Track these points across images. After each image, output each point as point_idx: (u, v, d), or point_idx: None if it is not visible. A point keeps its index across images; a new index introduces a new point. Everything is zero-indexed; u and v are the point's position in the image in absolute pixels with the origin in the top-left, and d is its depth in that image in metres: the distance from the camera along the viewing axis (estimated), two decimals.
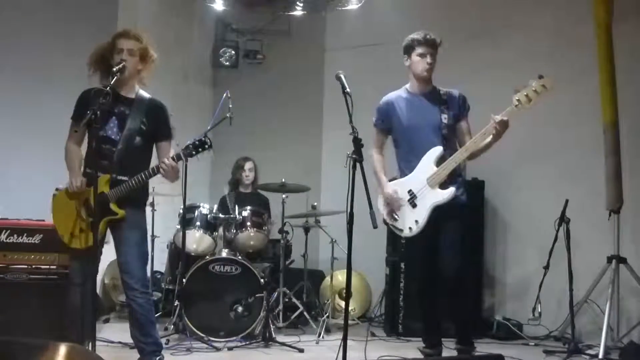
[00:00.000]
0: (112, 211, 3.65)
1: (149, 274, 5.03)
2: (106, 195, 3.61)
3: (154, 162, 3.92)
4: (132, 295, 3.75)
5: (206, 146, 3.65)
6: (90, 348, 3.22)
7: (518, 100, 3.85)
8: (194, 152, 3.65)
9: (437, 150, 4.03)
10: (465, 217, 4.19)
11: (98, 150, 3.53)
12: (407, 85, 4.26)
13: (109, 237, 3.82)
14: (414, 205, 4.08)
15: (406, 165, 4.17)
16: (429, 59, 4.09)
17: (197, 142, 3.66)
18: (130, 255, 3.75)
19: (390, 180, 4.25)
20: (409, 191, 4.09)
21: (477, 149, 3.99)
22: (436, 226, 4.03)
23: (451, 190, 3.99)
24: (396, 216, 4.15)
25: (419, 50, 4.10)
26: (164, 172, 3.67)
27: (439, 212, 4.01)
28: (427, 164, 4.04)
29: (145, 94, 3.86)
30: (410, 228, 4.10)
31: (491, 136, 3.93)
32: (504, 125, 3.88)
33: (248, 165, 6.03)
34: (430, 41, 4.10)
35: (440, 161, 4.02)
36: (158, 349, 3.84)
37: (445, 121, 4.08)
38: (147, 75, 3.85)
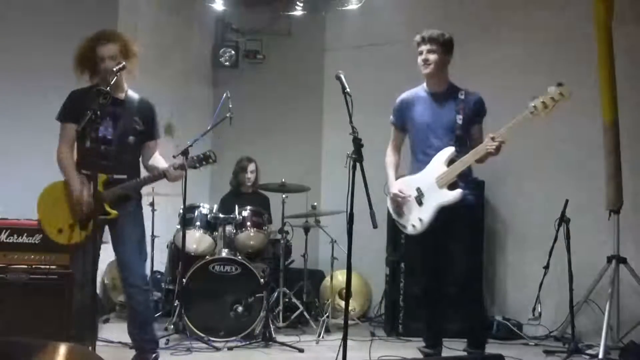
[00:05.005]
0: (104, 211, 3.67)
1: (148, 273, 5.04)
2: (101, 195, 3.62)
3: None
4: (132, 292, 3.79)
5: (210, 160, 3.80)
6: (90, 348, 3.22)
7: (534, 107, 3.74)
8: (197, 165, 3.75)
9: (449, 150, 4.00)
10: (473, 218, 4.17)
11: (93, 150, 3.55)
12: (424, 84, 4.24)
13: (107, 236, 3.83)
14: (420, 203, 4.06)
15: (416, 163, 4.16)
16: (424, 56, 4.06)
17: (201, 156, 3.76)
18: (130, 253, 3.78)
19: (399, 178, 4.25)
20: (417, 189, 4.07)
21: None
22: (443, 226, 4.01)
23: (458, 192, 3.95)
24: (401, 212, 4.15)
25: (418, 48, 4.10)
26: (168, 180, 3.77)
27: (446, 213, 3.98)
28: (438, 163, 4.01)
29: (134, 94, 3.89)
30: (413, 225, 4.08)
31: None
32: (497, 150, 3.84)
33: (251, 167, 6.03)
34: (426, 38, 4.06)
35: (451, 162, 3.99)
36: (154, 347, 3.87)
37: (459, 122, 4.02)
38: (134, 68, 3.83)
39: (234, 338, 4.86)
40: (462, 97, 4.08)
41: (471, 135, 4.09)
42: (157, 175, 3.77)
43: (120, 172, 3.71)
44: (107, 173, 3.68)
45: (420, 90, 4.23)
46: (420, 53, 4.09)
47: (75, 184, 3.66)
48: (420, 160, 4.12)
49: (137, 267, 3.79)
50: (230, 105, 5.14)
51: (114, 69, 3.55)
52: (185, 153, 4.92)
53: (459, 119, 4.03)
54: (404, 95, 4.27)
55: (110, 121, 3.74)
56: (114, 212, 3.70)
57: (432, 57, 4.05)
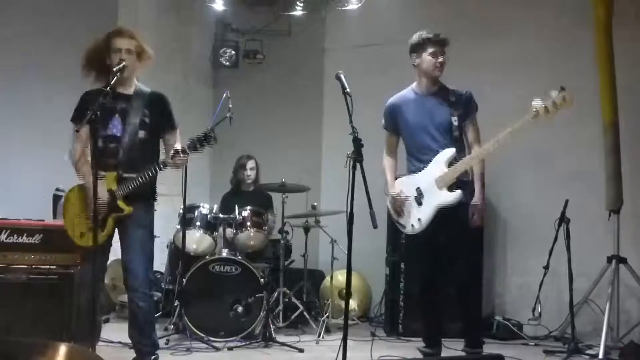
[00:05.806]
0: (119, 208, 3.65)
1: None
2: (114, 193, 3.62)
3: (161, 154, 3.94)
4: (133, 296, 3.75)
5: (211, 140, 3.66)
6: (90, 348, 3.22)
7: (536, 111, 3.74)
8: (198, 146, 3.66)
9: (450, 151, 4.02)
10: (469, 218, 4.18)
11: (104, 149, 3.54)
12: (414, 85, 4.23)
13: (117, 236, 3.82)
14: (419, 204, 4.08)
15: (413, 164, 4.17)
16: (440, 59, 4.08)
17: (202, 136, 3.66)
18: (134, 255, 3.75)
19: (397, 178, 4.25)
20: (417, 189, 4.09)
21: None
22: (442, 226, 4.02)
23: (458, 193, 3.97)
24: (401, 212, 4.15)
25: (431, 49, 4.08)
26: (171, 166, 3.70)
27: (445, 213, 3.99)
28: (439, 164, 4.02)
29: (144, 87, 3.87)
30: (412, 225, 4.10)
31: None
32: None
33: (250, 164, 6.02)
34: (442, 40, 4.09)
35: (452, 163, 4.00)
36: (154, 350, 3.85)
37: (455, 124, 4.05)
38: (143, 71, 3.85)
39: (234, 338, 4.86)
40: (454, 99, 4.11)
41: (465, 131, 4.12)
42: (158, 167, 3.69)
43: (130, 170, 3.68)
44: (117, 171, 3.66)
45: (409, 92, 4.24)
46: (435, 55, 4.08)
47: (89, 187, 3.60)
48: (416, 161, 4.14)
49: (138, 270, 3.73)
50: (230, 105, 5.14)
51: (114, 69, 3.55)
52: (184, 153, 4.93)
53: (455, 120, 4.06)
54: (392, 99, 4.28)
55: (119, 118, 3.72)
56: (128, 207, 3.67)
57: (445, 60, 4.10)
